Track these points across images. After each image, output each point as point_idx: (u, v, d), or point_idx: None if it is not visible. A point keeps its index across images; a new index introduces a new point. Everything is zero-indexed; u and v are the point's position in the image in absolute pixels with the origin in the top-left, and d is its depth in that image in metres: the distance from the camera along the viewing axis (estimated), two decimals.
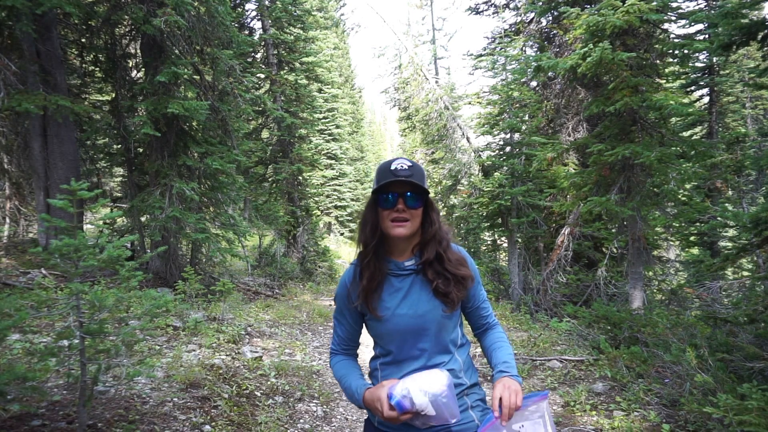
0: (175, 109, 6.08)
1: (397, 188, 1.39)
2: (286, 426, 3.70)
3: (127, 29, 7.73)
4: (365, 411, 1.47)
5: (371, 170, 28.95)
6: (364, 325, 1.55)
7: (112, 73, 7.60)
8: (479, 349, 5.86)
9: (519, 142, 9.37)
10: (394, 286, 1.45)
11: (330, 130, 21.70)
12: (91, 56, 7.98)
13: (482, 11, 12.67)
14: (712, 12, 5.89)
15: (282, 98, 12.22)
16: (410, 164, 1.40)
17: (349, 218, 24.51)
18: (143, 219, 7.34)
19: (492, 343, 1.54)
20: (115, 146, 8.15)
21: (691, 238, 9.26)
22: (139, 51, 7.65)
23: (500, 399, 1.29)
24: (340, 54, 27.80)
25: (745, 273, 7.38)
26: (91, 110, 7.35)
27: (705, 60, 9.98)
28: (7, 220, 8.49)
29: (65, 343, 2.62)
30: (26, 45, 6.19)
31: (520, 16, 11.38)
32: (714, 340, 3.85)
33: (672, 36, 6.30)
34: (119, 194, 10.32)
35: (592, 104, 5.99)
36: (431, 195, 1.48)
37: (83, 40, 7.74)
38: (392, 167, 1.39)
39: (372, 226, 1.45)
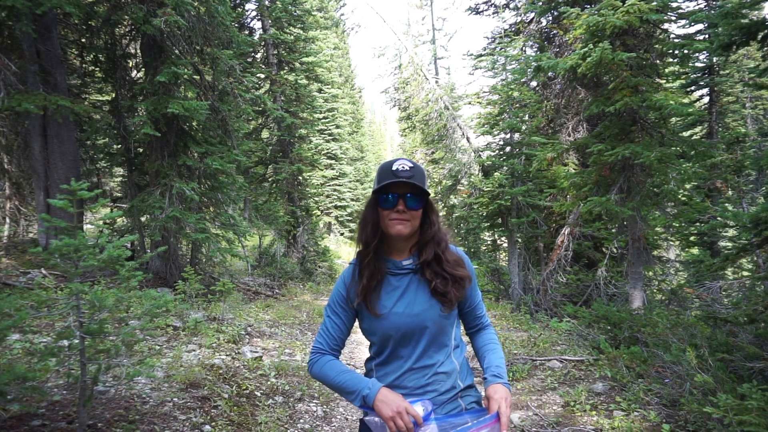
0: (175, 109, 6.08)
1: (397, 189, 1.39)
2: (286, 426, 3.70)
3: (127, 29, 7.73)
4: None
5: (371, 170, 28.95)
6: (358, 325, 1.55)
7: (112, 73, 7.60)
8: None
9: (519, 142, 9.37)
10: (391, 284, 1.46)
11: (330, 130, 21.70)
12: (91, 56, 7.99)
13: (482, 11, 12.68)
14: (712, 12, 5.89)
15: (282, 98, 12.22)
16: (411, 165, 1.40)
17: (349, 218, 24.52)
18: (143, 219, 7.34)
19: (484, 344, 1.55)
20: (115, 146, 8.15)
21: (691, 238, 9.26)
22: (139, 51, 7.65)
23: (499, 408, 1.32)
24: (340, 54, 27.80)
25: (745, 273, 7.38)
26: (91, 110, 7.35)
27: (705, 60, 9.98)
28: (7, 220, 8.49)
29: (65, 343, 2.62)
30: (26, 45, 6.19)
31: (520, 16, 11.38)
32: (714, 340, 3.85)
33: (672, 36, 6.30)
34: (119, 194, 10.32)
35: (592, 104, 5.99)
36: (431, 196, 1.48)
37: (83, 40, 7.74)
38: (393, 168, 1.39)
39: (373, 226, 1.45)
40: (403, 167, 1.39)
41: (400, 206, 1.39)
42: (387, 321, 1.42)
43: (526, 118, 9.63)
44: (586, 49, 5.54)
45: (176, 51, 6.79)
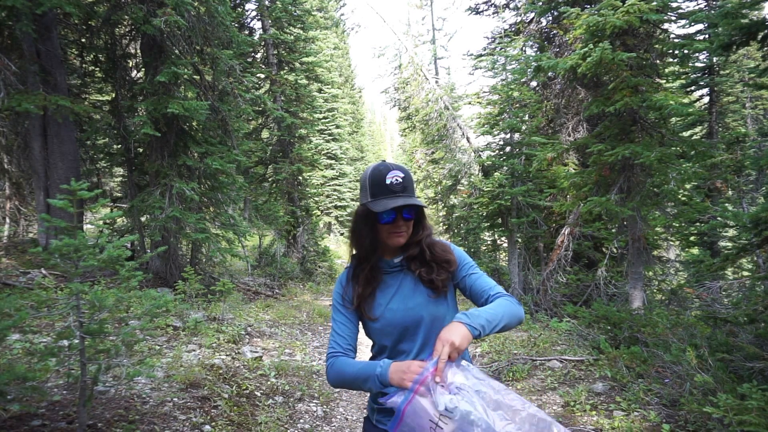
0: (175, 109, 6.08)
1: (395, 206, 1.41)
2: (286, 426, 3.70)
3: (127, 29, 7.73)
4: (365, 409, 1.46)
5: None
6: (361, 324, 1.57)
7: (112, 73, 7.61)
8: (479, 349, 5.86)
9: (519, 142, 9.37)
10: (387, 283, 1.50)
11: (330, 130, 21.70)
12: (91, 56, 7.99)
13: (482, 11, 12.67)
14: (712, 12, 5.89)
15: (282, 98, 12.22)
16: (403, 175, 1.40)
17: (349, 218, 24.48)
18: (143, 219, 7.34)
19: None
20: (115, 146, 8.16)
21: (691, 238, 9.24)
22: (139, 51, 7.65)
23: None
24: (340, 54, 27.81)
25: (745, 273, 7.37)
26: (91, 110, 7.35)
27: (705, 60, 9.97)
28: (7, 220, 8.49)
29: (65, 343, 2.62)
30: (26, 45, 6.19)
31: (520, 16, 11.37)
32: (714, 340, 3.85)
33: (672, 36, 6.30)
34: (119, 194, 10.32)
35: (592, 104, 5.99)
36: (425, 203, 1.50)
37: (83, 40, 7.75)
38: (387, 182, 1.39)
39: (371, 241, 1.47)
40: (396, 180, 1.39)
41: (399, 222, 1.43)
42: (384, 318, 1.45)
43: (526, 118, 9.62)
44: (586, 49, 5.54)
45: (176, 51, 6.79)
